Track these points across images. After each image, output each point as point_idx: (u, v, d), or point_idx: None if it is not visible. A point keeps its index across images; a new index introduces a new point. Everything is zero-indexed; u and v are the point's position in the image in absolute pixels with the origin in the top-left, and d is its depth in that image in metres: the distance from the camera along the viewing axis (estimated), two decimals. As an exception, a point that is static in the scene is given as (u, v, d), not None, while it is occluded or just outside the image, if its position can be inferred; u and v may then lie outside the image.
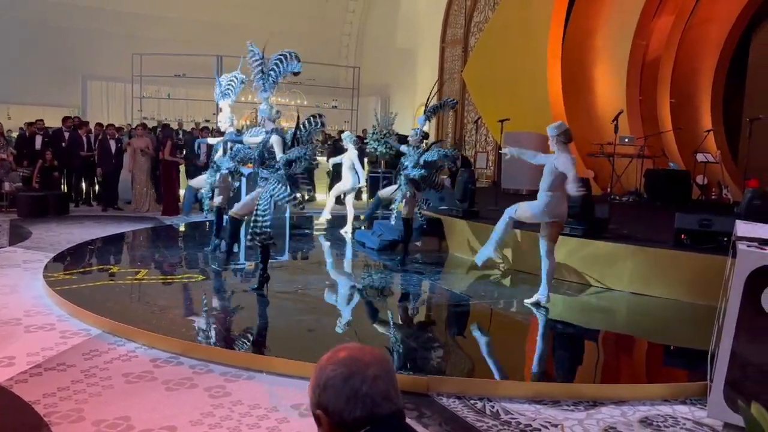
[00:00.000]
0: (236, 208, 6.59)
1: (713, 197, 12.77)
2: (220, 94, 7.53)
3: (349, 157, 10.17)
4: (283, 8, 21.63)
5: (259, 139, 6.20)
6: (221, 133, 8.07)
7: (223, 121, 7.77)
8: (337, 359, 1.42)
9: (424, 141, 8.21)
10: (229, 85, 7.41)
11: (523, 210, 6.09)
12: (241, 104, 8.26)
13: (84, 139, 12.21)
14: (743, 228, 4.29)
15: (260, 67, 6.13)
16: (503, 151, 6.49)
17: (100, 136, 12.48)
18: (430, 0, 21.15)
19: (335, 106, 20.16)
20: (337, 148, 14.17)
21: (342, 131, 16.61)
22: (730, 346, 3.68)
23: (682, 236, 6.54)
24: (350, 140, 10.26)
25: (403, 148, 8.00)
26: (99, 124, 13.44)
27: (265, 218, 6.05)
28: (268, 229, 6.06)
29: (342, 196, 11.02)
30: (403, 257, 8.09)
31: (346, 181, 10.23)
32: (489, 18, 18.62)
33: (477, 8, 19.52)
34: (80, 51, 19.17)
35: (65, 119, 12.42)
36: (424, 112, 8.16)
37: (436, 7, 20.57)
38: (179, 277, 6.88)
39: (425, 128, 8.15)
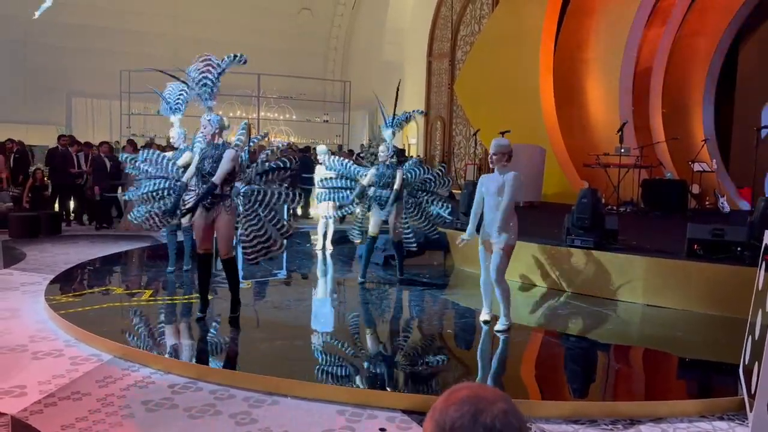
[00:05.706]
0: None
1: (708, 206, 12.84)
2: (169, 109, 7.24)
3: (322, 174, 9.29)
4: (269, 24, 21.63)
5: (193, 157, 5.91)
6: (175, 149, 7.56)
7: (176, 137, 7.41)
8: (458, 399, 1.29)
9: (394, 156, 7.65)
10: (178, 99, 7.15)
11: (506, 252, 5.42)
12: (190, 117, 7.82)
13: (74, 157, 11.96)
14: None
15: (202, 77, 5.86)
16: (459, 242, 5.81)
17: (90, 155, 12.22)
18: (416, 14, 21.25)
19: (326, 121, 20.06)
20: (305, 164, 12.97)
21: (340, 146, 16.03)
22: (774, 360, 3.60)
23: (696, 246, 6.49)
24: (326, 155, 9.35)
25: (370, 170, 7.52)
26: (87, 143, 13.11)
27: (262, 232, 5.63)
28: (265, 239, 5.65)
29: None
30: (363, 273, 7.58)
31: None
32: (475, 32, 18.71)
33: (463, 22, 19.61)
34: (65, 68, 18.97)
35: (60, 137, 12.16)
36: (390, 126, 7.59)
37: (422, 21, 20.65)
38: (187, 297, 6.68)
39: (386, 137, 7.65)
